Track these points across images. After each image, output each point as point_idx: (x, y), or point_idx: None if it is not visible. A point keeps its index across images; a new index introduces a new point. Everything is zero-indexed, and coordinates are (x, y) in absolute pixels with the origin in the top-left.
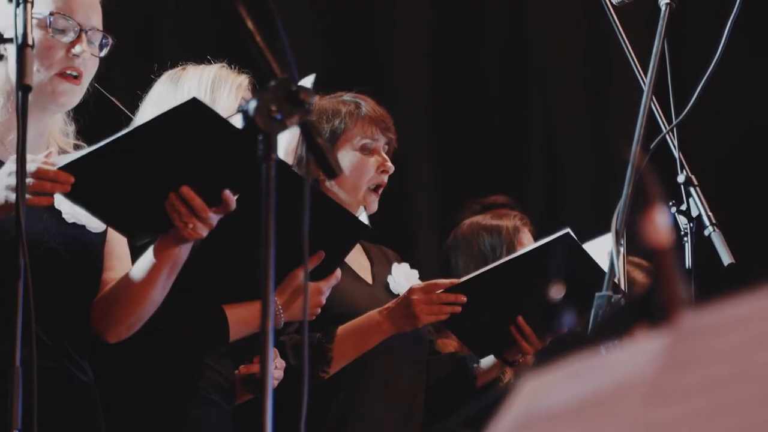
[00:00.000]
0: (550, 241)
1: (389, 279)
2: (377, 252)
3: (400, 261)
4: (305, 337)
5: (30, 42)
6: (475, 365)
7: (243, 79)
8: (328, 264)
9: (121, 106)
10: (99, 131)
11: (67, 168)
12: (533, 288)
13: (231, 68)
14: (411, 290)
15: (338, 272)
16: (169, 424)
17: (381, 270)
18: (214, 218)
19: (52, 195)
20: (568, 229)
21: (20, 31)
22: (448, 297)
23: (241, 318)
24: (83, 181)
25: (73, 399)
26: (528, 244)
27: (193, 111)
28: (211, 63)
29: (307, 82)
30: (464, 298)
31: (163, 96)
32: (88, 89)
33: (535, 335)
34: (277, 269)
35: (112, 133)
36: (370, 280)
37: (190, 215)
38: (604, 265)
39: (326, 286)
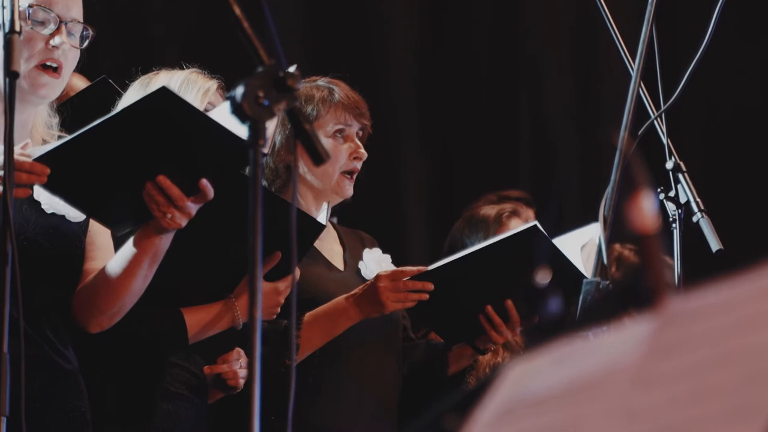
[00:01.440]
0: (516, 233)
1: (360, 265)
2: (352, 237)
3: (375, 245)
4: (292, 330)
5: (17, 29)
6: (448, 353)
7: (212, 84)
8: (286, 264)
9: (120, 90)
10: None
11: (42, 159)
12: (502, 278)
13: (202, 73)
14: (378, 277)
15: (297, 272)
16: (143, 420)
17: (353, 256)
18: (193, 207)
19: (28, 186)
20: (536, 222)
21: (7, 18)
22: (414, 284)
23: (199, 321)
24: (60, 172)
25: (55, 386)
26: None
27: (163, 100)
28: (182, 68)
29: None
30: (431, 286)
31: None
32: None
33: (505, 325)
34: (237, 270)
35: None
36: (341, 267)
37: (168, 205)
38: (574, 258)
39: (284, 286)
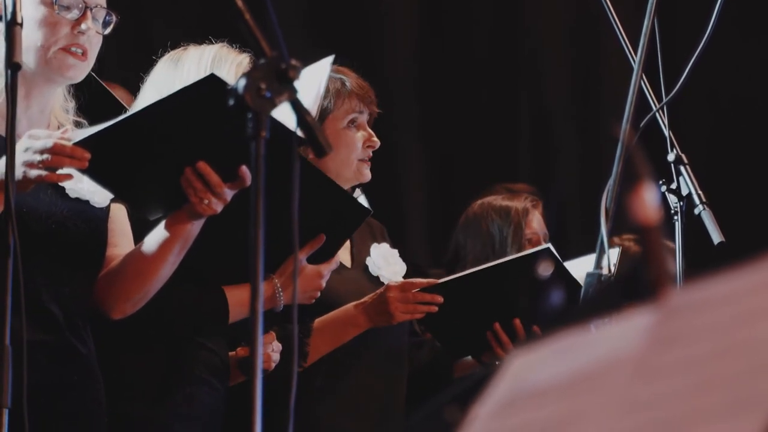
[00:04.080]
0: (531, 253)
1: (368, 261)
2: (361, 229)
3: (385, 235)
4: (294, 321)
5: (19, 20)
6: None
7: (244, 58)
8: (328, 247)
9: (116, 96)
10: (94, 110)
11: (83, 143)
12: (511, 296)
13: (232, 47)
14: (388, 287)
15: (338, 256)
16: (162, 402)
17: (361, 251)
18: (229, 194)
19: (50, 169)
20: (549, 245)
21: (9, 9)
22: (424, 297)
23: (240, 299)
24: (99, 157)
25: (73, 373)
26: (537, 227)
27: (212, 87)
28: (212, 43)
29: (326, 62)
30: (441, 299)
31: (162, 77)
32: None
33: (512, 343)
34: (279, 250)
35: (105, 113)
36: (349, 263)
37: (205, 191)
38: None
39: (326, 270)
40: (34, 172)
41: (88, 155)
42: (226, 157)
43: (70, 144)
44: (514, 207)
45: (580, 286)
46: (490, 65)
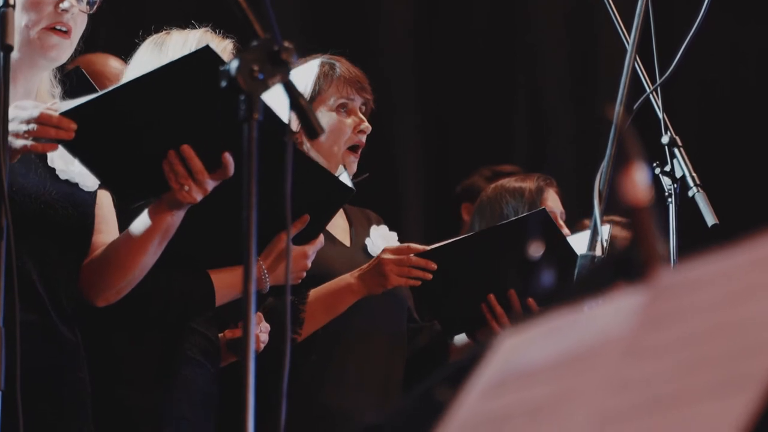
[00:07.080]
0: (524, 217)
1: (367, 241)
2: (358, 214)
3: (380, 223)
4: (287, 300)
5: (12, 2)
6: (450, 341)
7: (227, 44)
8: (313, 227)
9: (97, 89)
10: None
11: (69, 114)
12: (506, 264)
13: (216, 33)
14: (384, 250)
15: (322, 236)
16: (156, 386)
17: (359, 232)
18: (211, 184)
19: (55, 142)
20: (544, 207)
21: None
22: (418, 261)
23: (227, 282)
24: (85, 132)
25: (59, 357)
26: (552, 204)
27: (205, 60)
28: (195, 28)
29: (314, 63)
30: (434, 266)
31: (145, 61)
32: (77, 48)
33: (506, 315)
34: (261, 233)
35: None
36: (347, 243)
37: (186, 177)
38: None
39: (311, 250)
40: (19, 142)
41: (74, 126)
42: (212, 145)
43: (56, 114)
44: (527, 187)
45: (575, 252)
46: (487, 51)
